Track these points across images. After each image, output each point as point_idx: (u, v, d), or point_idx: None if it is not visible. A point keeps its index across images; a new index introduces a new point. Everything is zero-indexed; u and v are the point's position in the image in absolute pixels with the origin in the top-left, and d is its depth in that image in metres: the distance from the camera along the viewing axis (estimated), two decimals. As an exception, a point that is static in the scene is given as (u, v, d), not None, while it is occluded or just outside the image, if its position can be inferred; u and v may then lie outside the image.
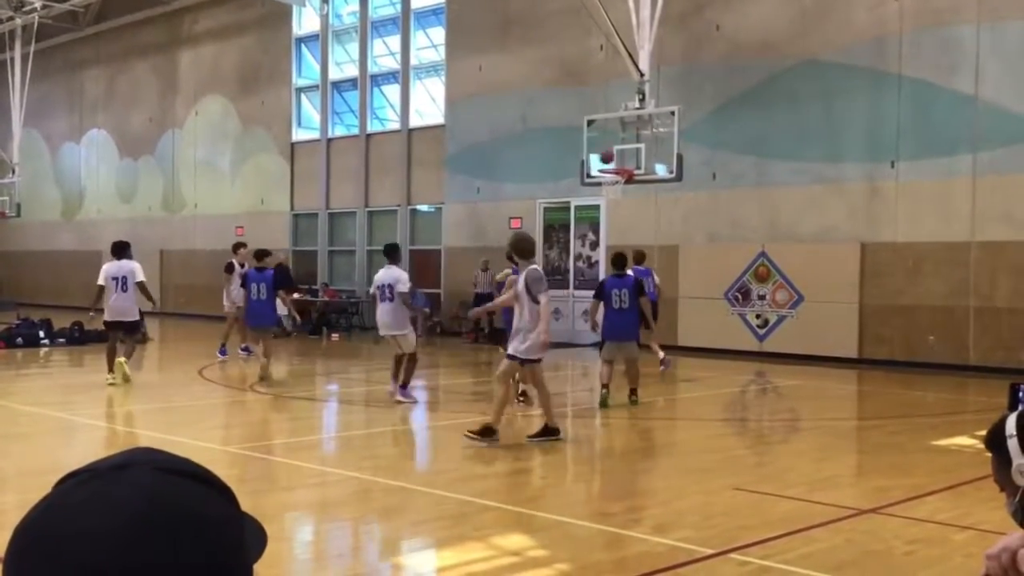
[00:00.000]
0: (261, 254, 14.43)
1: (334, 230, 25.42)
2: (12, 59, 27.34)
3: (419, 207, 23.63)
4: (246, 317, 14.43)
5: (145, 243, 29.96)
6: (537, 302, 8.93)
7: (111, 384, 12.74)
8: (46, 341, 18.40)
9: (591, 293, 20.24)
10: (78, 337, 18.84)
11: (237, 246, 17.21)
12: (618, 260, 12.27)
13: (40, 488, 0.85)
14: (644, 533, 5.95)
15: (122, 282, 13.00)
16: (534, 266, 9.27)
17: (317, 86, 25.74)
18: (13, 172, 28.04)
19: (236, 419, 11.22)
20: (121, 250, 13.26)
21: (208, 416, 11.08)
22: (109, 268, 13.09)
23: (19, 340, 17.57)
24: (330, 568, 5.59)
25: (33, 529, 0.79)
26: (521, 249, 9.41)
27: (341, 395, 13.93)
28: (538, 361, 9.22)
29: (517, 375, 9.89)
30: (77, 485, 0.81)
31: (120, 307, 13.09)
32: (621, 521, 6.26)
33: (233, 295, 16.33)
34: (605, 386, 11.55)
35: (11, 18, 27.23)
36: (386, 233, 24.13)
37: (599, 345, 12.48)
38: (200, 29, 28.54)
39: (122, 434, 10.08)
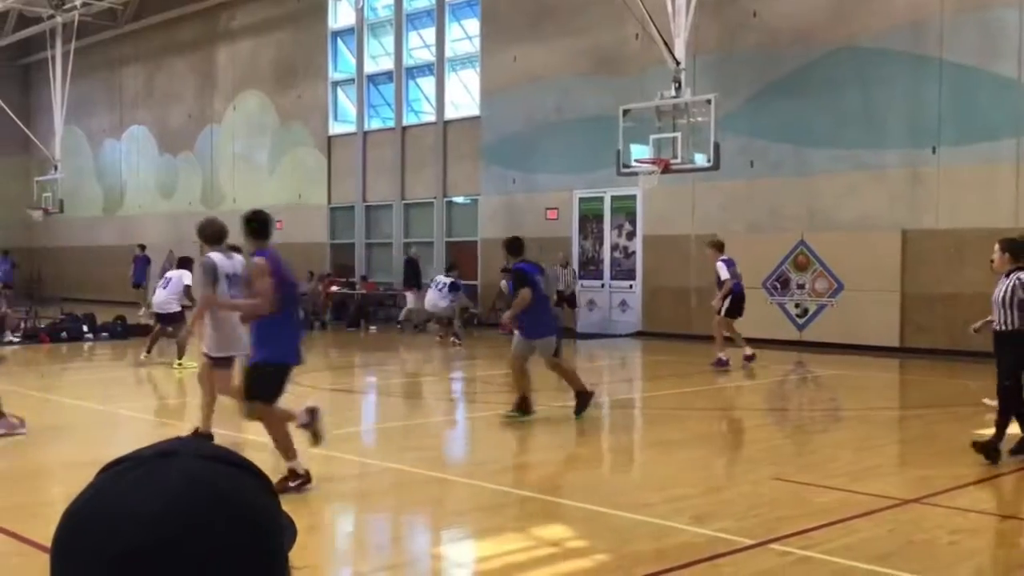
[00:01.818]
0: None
1: (371, 223, 25.54)
2: (53, 57, 27.72)
3: (455, 199, 23.68)
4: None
5: (185, 238, 30.32)
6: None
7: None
8: (90, 335, 18.67)
9: (627, 284, 20.48)
10: (121, 331, 19.11)
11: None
12: (514, 245, 10.32)
13: (84, 480, 0.86)
14: (683, 523, 5.93)
15: (166, 282, 14.68)
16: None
17: (353, 79, 25.85)
18: (56, 169, 28.47)
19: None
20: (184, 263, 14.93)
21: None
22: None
23: (63, 335, 17.85)
24: (370, 558, 5.63)
25: (81, 513, 0.81)
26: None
27: (379, 387, 14.01)
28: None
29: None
30: (124, 471, 0.82)
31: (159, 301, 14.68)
32: (660, 511, 6.24)
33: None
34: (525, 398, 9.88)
35: (52, 16, 27.60)
36: (422, 226, 24.23)
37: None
38: (237, 25, 28.76)
39: (163, 426, 10.21)
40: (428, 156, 23.78)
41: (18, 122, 30.13)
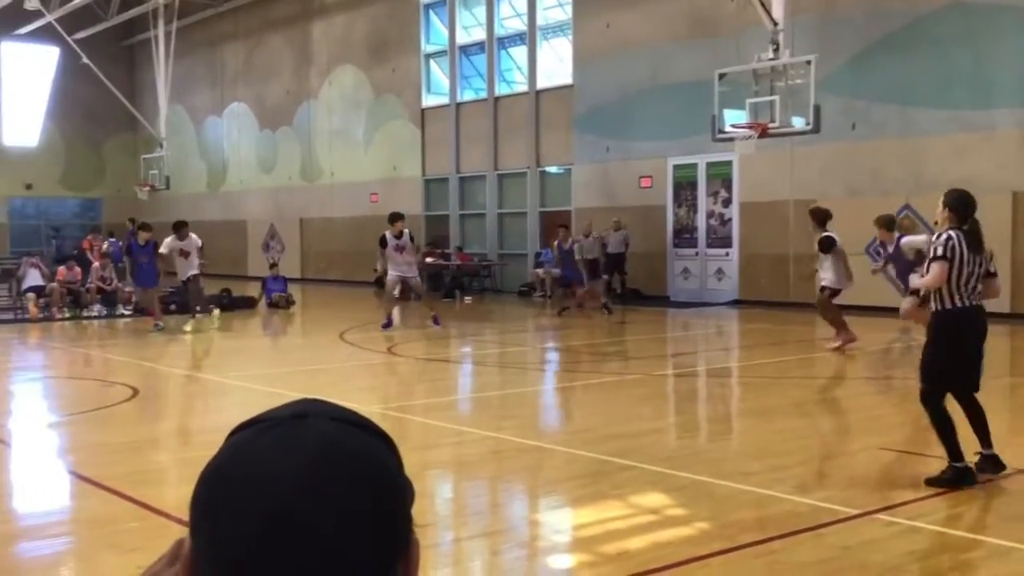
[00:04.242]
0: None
1: (465, 194, 25.68)
2: (156, 37, 28.47)
3: (548, 169, 23.63)
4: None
5: (286, 212, 31.01)
6: None
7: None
8: (197, 307, 19.22)
9: (723, 251, 20.18)
10: (227, 303, 19.66)
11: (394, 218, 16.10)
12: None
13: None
14: (785, 492, 5.85)
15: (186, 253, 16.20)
16: None
17: (445, 51, 25.94)
18: (161, 147, 29.33)
19: (375, 381, 11.53)
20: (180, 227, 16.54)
21: (349, 378, 11.43)
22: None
23: (172, 307, 18.44)
24: (468, 525, 5.70)
25: (218, 474, 0.83)
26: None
27: (475, 357, 14.14)
28: None
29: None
30: (260, 432, 0.84)
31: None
32: (761, 480, 6.17)
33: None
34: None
35: (155, -3, 28.34)
36: (516, 196, 24.26)
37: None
38: (331, 0, 29.10)
39: (270, 395, 10.49)
40: (521, 126, 23.75)
41: (124, 101, 31.10)
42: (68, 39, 28.84)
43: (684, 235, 20.61)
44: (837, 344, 12.40)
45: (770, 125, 14.91)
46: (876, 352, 13.34)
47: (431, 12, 26.46)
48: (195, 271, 16.31)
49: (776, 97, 14.87)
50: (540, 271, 22.11)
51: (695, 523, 5.45)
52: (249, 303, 20.20)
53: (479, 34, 25.17)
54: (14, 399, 10.57)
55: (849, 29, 17.34)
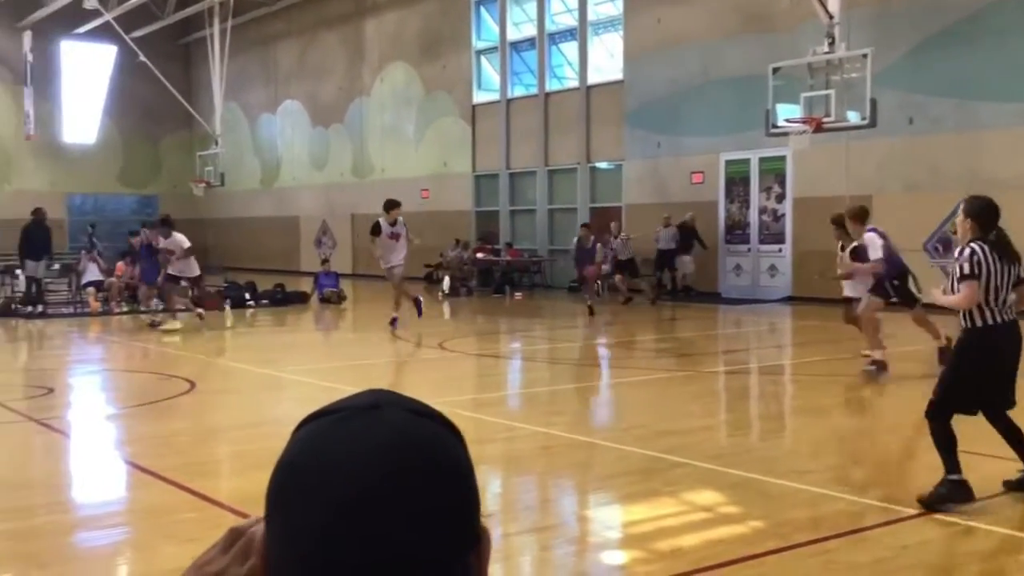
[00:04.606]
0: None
1: (515, 190, 25.69)
2: (212, 35, 28.86)
3: (599, 164, 23.54)
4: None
5: (337, 208, 31.27)
6: None
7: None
8: (251, 302, 19.51)
9: (776, 247, 19.94)
10: (280, 298, 19.90)
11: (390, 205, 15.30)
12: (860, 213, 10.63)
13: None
14: (841, 492, 5.77)
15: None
16: None
17: (496, 47, 25.96)
18: (216, 144, 29.74)
19: (426, 376, 11.58)
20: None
21: (401, 372, 11.50)
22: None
23: (227, 302, 18.70)
24: (518, 520, 5.70)
25: (292, 465, 0.83)
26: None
27: (525, 352, 14.14)
28: None
29: None
30: (333, 423, 0.84)
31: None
32: (816, 479, 6.09)
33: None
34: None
35: (210, -4, 28.75)
36: (566, 192, 24.21)
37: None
38: (383, -3, 29.28)
39: (325, 388, 10.59)
40: (571, 122, 23.70)
41: (181, 99, 31.57)
42: (126, 38, 29.34)
43: (736, 231, 20.42)
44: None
45: (825, 120, 14.72)
46: (934, 350, 13.09)
47: (482, 8, 26.50)
48: (175, 271, 15.71)
49: (832, 91, 14.69)
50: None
51: (749, 521, 5.39)
52: (301, 298, 20.42)
53: (530, 30, 25.15)
54: (74, 391, 10.80)
55: (906, 22, 17.04)
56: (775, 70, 15.63)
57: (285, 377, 11.10)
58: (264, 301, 19.81)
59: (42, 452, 7.65)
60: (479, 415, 8.57)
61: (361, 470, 0.80)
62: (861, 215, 10.25)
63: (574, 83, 24.12)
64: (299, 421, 0.87)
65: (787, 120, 15.43)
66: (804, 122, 14.96)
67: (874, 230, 10.02)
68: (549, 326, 17.41)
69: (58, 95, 34.93)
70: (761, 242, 19.99)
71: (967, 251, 5.45)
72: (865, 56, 14.39)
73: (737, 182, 20.26)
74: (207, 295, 17.18)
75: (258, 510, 0.87)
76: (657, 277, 20.52)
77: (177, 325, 15.34)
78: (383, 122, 29.35)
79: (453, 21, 26.81)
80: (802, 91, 15.20)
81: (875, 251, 9.80)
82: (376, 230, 14.82)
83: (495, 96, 26.06)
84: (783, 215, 19.53)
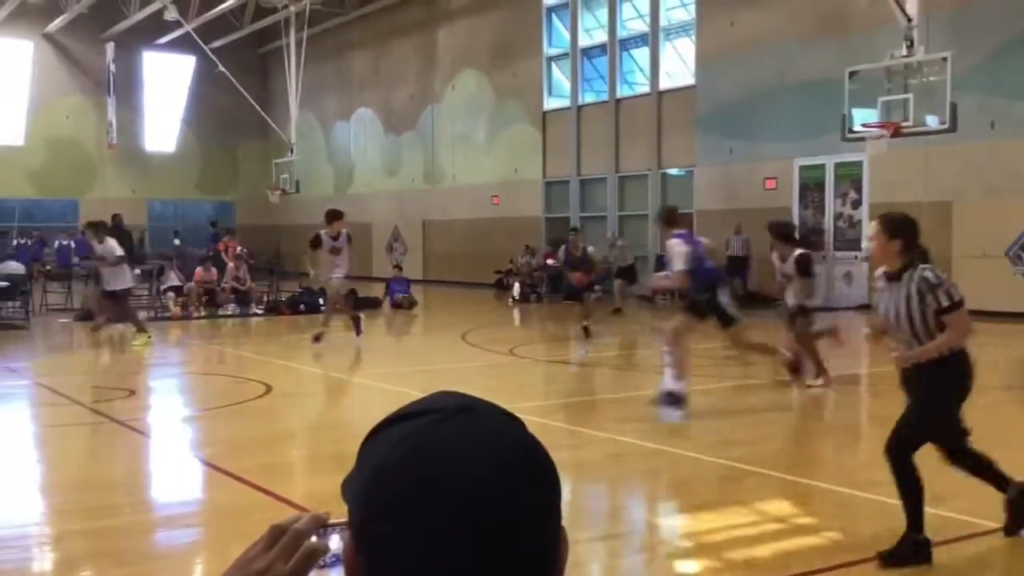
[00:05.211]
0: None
1: (585, 196, 25.64)
2: (287, 45, 29.39)
3: (670, 171, 23.38)
4: None
5: (409, 215, 31.56)
6: None
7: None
8: (324, 307, 19.73)
9: (852, 254, 19.57)
10: (352, 304, 20.10)
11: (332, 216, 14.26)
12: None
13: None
14: (918, 504, 5.63)
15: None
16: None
17: (567, 54, 25.97)
18: (292, 152, 30.25)
19: (496, 381, 11.60)
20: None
21: (471, 378, 11.54)
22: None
23: (301, 307, 19.00)
24: (587, 527, 5.68)
25: (408, 470, 0.83)
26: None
27: (595, 359, 14.08)
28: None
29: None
30: (432, 425, 0.85)
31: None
32: (892, 490, 5.94)
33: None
34: None
35: (285, 6, 29.27)
36: (637, 198, 24.09)
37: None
38: (456, 6, 29.50)
39: (397, 393, 10.69)
40: (642, 128, 23.59)
41: (258, 108, 32.18)
42: (205, 48, 30.05)
43: (811, 237, 20.08)
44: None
45: (903, 124, 14.41)
46: (1018, 360, 12.73)
47: (553, 15, 26.53)
48: (111, 285, 13.92)
49: (910, 95, 14.38)
50: (659, 275, 21.87)
51: (824, 532, 5.30)
52: (374, 304, 20.64)
53: (601, 36, 25.11)
54: (153, 394, 11.07)
55: (987, 24, 16.61)
56: (852, 74, 15.36)
57: (358, 381, 11.24)
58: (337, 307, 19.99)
59: (123, 453, 7.85)
60: (548, 420, 8.56)
61: (474, 469, 0.82)
62: (668, 218, 9.14)
63: (645, 89, 24.01)
64: (375, 425, 0.88)
65: (864, 125, 15.15)
66: (882, 127, 14.67)
67: (682, 235, 8.80)
68: (618, 332, 17.32)
69: (139, 104, 35.93)
70: (836, 249, 19.65)
71: (942, 280, 5.11)
72: (945, 59, 14.06)
73: (812, 188, 19.95)
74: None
75: (336, 510, 0.89)
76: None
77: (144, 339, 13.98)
78: (454, 129, 29.56)
79: (524, 28, 26.90)
80: (879, 95, 14.90)
81: (678, 261, 8.57)
82: (317, 243, 13.79)
83: (566, 103, 26.06)
84: (859, 221, 19.18)
